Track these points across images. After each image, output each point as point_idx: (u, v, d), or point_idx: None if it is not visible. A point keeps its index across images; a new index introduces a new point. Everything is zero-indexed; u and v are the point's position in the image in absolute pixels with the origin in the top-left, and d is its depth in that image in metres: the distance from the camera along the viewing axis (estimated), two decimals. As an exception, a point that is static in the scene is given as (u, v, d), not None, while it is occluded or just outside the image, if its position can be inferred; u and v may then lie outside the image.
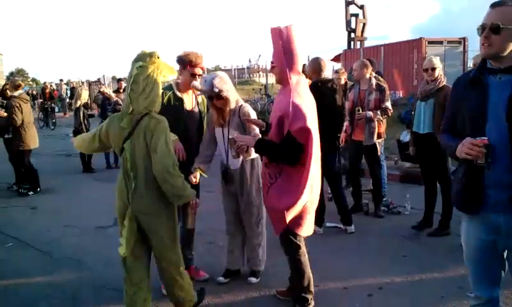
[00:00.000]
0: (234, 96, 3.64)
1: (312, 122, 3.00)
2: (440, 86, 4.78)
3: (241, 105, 3.67)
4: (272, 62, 3.14)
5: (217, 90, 3.47)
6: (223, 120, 3.63)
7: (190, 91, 3.79)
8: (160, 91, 3.00)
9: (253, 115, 3.65)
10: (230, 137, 3.46)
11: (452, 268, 4.09)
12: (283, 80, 3.06)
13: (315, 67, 5.07)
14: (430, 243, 4.79)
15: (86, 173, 9.27)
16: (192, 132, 3.78)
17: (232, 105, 3.61)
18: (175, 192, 2.87)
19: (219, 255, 4.41)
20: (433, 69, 4.81)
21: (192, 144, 3.72)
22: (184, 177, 2.91)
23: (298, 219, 3.13)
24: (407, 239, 4.95)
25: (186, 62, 3.63)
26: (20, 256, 4.85)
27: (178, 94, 3.71)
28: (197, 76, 3.67)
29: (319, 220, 4.85)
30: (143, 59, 2.87)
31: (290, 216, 3.06)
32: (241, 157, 3.62)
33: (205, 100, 3.91)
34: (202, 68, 3.72)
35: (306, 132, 2.93)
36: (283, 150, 2.99)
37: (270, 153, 3.11)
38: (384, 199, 6.01)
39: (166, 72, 3.03)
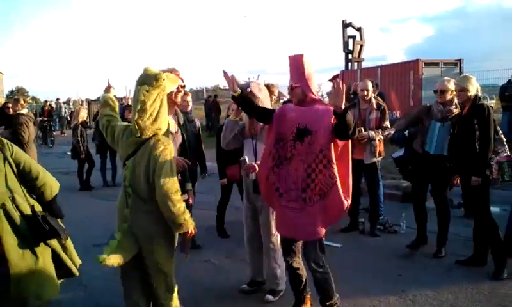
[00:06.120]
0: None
1: None
2: (457, 110, 4.71)
3: None
4: (293, 85, 3.31)
5: (249, 90, 3.60)
6: (254, 130, 3.76)
7: (172, 112, 3.57)
8: (167, 112, 2.94)
9: None
10: (241, 158, 3.66)
11: (446, 287, 4.11)
12: (305, 99, 3.34)
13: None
14: (425, 262, 4.80)
15: (83, 191, 9.27)
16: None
17: None
18: (175, 219, 2.82)
19: (215, 274, 4.42)
20: (442, 91, 4.77)
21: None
22: (185, 205, 2.87)
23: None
24: (402, 258, 4.96)
25: None
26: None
27: None
28: (181, 87, 3.46)
29: None
30: (149, 83, 2.80)
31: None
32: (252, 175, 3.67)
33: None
34: (182, 79, 3.48)
35: None
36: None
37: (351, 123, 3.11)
38: (381, 217, 6.04)
39: (170, 86, 3.04)
